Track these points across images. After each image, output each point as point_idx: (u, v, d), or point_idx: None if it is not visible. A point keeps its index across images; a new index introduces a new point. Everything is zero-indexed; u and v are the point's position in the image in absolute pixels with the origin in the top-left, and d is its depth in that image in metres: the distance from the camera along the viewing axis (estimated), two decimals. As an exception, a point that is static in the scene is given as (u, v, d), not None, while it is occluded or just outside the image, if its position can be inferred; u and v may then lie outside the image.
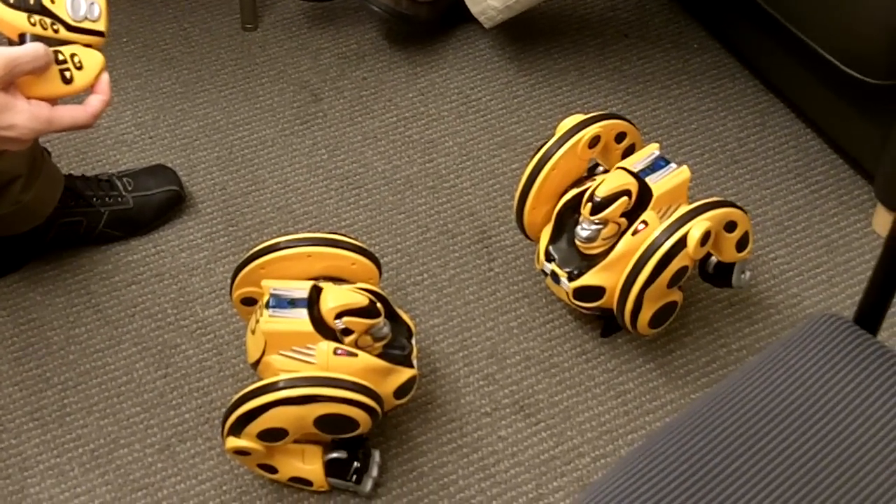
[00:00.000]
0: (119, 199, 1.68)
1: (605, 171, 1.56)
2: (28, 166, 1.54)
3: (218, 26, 2.05)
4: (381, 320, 1.35)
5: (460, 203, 1.79)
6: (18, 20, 1.05)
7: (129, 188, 1.70)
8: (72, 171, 1.73)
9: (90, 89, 1.10)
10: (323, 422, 1.32)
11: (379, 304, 1.35)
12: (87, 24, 1.10)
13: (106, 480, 1.47)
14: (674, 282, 1.46)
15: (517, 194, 1.56)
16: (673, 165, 1.50)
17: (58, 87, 1.06)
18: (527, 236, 1.60)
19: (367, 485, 1.43)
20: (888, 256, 1.05)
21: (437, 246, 1.73)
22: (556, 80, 1.97)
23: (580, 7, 2.09)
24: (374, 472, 1.44)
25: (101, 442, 1.51)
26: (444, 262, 1.71)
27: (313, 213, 1.77)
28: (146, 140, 1.86)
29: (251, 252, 1.42)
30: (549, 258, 1.54)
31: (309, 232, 1.45)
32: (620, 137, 1.56)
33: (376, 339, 1.37)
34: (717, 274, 1.54)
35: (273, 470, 1.42)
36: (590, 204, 1.46)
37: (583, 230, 1.49)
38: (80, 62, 1.08)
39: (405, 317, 1.44)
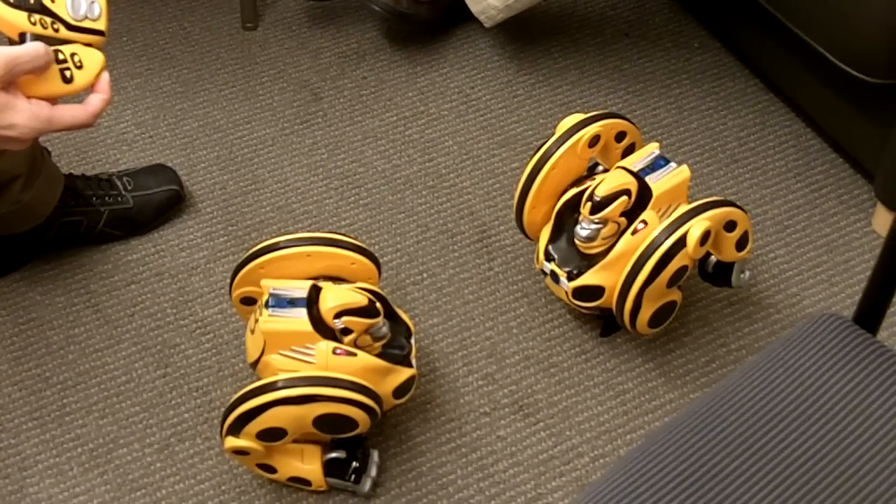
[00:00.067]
0: (119, 199, 1.68)
1: (605, 171, 1.56)
2: (28, 166, 1.54)
3: (218, 25, 2.05)
4: (380, 320, 1.35)
5: (460, 202, 1.79)
6: (19, 19, 1.05)
7: (129, 187, 1.70)
8: (72, 171, 1.73)
9: (90, 88, 1.10)
10: (322, 421, 1.32)
11: (378, 304, 1.35)
12: (87, 24, 1.10)
13: (105, 480, 1.47)
14: (673, 281, 1.46)
15: (517, 193, 1.56)
16: (673, 165, 1.50)
17: (58, 87, 1.06)
18: (526, 236, 1.60)
19: (366, 485, 1.43)
20: (888, 256, 1.05)
21: (436, 245, 1.73)
22: (556, 79, 1.97)
23: (580, 6, 2.09)
24: (373, 471, 1.44)
25: (100, 441, 1.51)
26: (443, 262, 1.71)
27: (313, 212, 1.77)
28: (146, 139, 1.86)
29: (251, 251, 1.42)
30: (548, 258, 1.54)
31: (308, 231, 1.45)
32: (620, 137, 1.56)
33: (375, 339, 1.37)
34: (716, 273, 1.54)
35: (272, 470, 1.42)
36: (589, 203, 1.46)
37: (582, 229, 1.49)
38: (80, 61, 1.08)
39: (404, 316, 1.44)
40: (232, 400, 1.33)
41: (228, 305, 1.64)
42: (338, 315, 1.32)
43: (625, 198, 1.46)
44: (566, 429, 1.53)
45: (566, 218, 1.54)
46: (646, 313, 1.47)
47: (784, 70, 1.85)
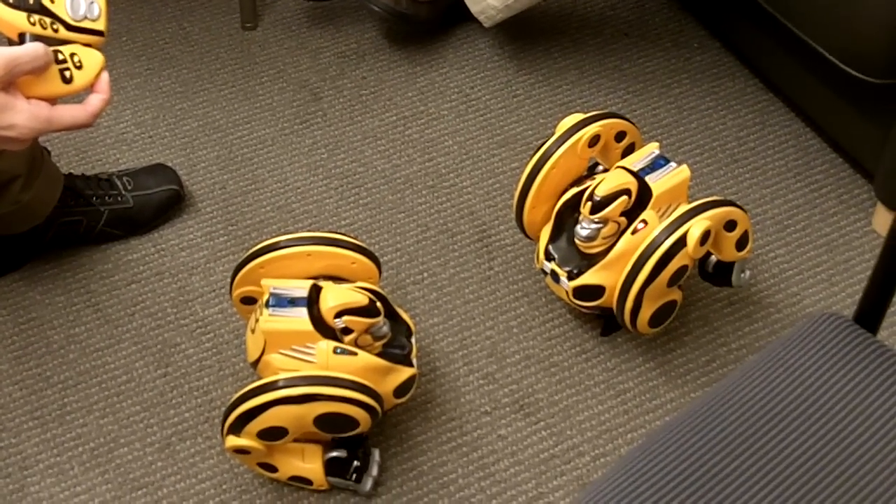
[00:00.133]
0: (119, 199, 1.68)
1: (605, 170, 1.56)
2: (28, 166, 1.55)
3: (217, 25, 2.05)
4: (380, 319, 1.35)
5: (460, 202, 1.79)
6: (18, 20, 1.05)
7: (129, 187, 1.70)
8: (71, 171, 1.73)
9: (90, 89, 1.10)
10: (323, 421, 1.32)
11: (378, 303, 1.35)
12: (86, 24, 1.10)
13: (106, 479, 1.47)
14: (673, 281, 1.46)
15: (517, 193, 1.56)
16: (673, 164, 1.50)
17: (57, 87, 1.06)
18: (526, 235, 1.60)
19: (367, 484, 1.44)
20: (888, 255, 1.05)
21: (436, 245, 1.73)
22: (556, 79, 1.97)
23: (580, 6, 2.09)
24: (374, 470, 1.44)
25: (101, 441, 1.51)
26: (443, 262, 1.71)
27: (313, 212, 1.77)
28: (146, 139, 1.86)
29: (251, 251, 1.42)
30: (548, 257, 1.54)
31: (308, 231, 1.45)
32: (620, 136, 1.56)
33: (376, 338, 1.37)
34: (716, 273, 1.54)
35: (273, 469, 1.42)
36: (589, 203, 1.46)
37: (582, 229, 1.49)
38: (79, 61, 1.08)
39: (405, 316, 1.44)
40: (233, 399, 1.33)
41: (229, 305, 1.64)
42: (338, 314, 1.33)
43: (625, 197, 1.46)
44: (567, 428, 1.53)
45: (566, 217, 1.54)
46: (646, 313, 1.47)
47: (784, 70, 1.85)
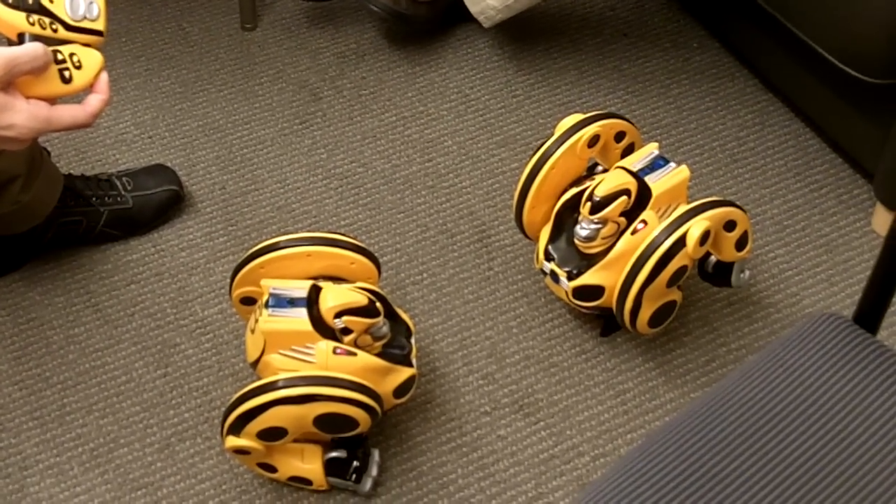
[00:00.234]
0: (118, 199, 1.68)
1: (605, 171, 1.56)
2: (27, 166, 1.54)
3: (217, 26, 2.05)
4: (380, 319, 1.35)
5: (459, 202, 1.79)
6: (17, 20, 1.05)
7: (129, 188, 1.70)
8: (71, 171, 1.73)
9: (89, 89, 1.10)
10: (322, 421, 1.32)
11: (378, 304, 1.35)
12: (85, 24, 1.10)
13: (105, 479, 1.47)
14: (673, 281, 1.46)
15: (516, 193, 1.56)
16: (672, 165, 1.50)
17: (57, 87, 1.06)
18: (526, 235, 1.60)
19: (367, 484, 1.44)
20: (887, 256, 1.05)
21: (436, 245, 1.73)
22: (556, 79, 1.97)
23: (579, 6, 2.09)
24: (374, 471, 1.44)
25: (100, 441, 1.51)
26: (443, 262, 1.71)
27: (312, 212, 1.77)
28: (145, 139, 1.86)
29: (250, 251, 1.42)
30: (548, 257, 1.54)
31: (308, 231, 1.45)
32: (620, 137, 1.56)
33: (375, 339, 1.37)
34: (716, 273, 1.54)
35: (272, 469, 1.42)
36: (589, 203, 1.46)
37: (582, 229, 1.49)
38: (79, 61, 1.08)
39: (404, 316, 1.44)
40: (232, 399, 1.33)
41: (228, 305, 1.64)
42: (338, 315, 1.32)
43: (624, 198, 1.46)
44: (567, 428, 1.53)
45: (566, 218, 1.54)
46: (646, 313, 1.47)
47: (783, 70, 1.85)
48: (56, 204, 1.62)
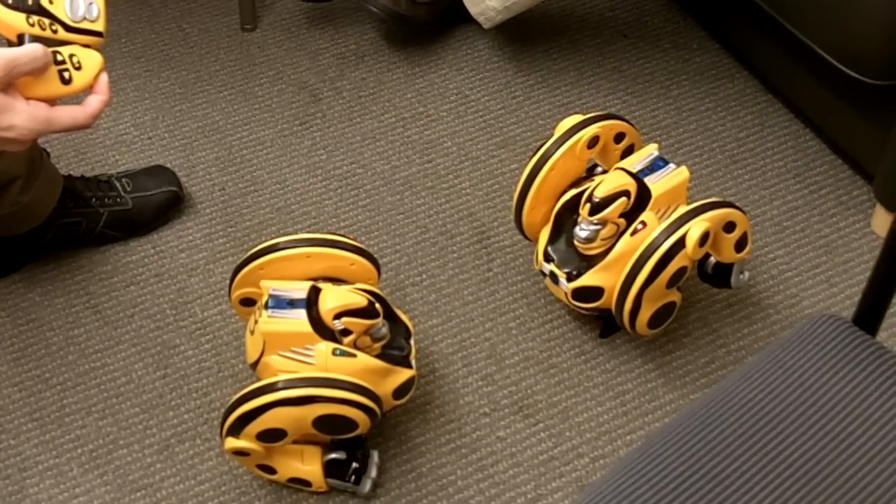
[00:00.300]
0: (118, 200, 1.68)
1: (604, 172, 1.56)
2: (27, 167, 1.54)
3: (217, 27, 2.05)
4: (379, 321, 1.35)
5: (459, 203, 1.79)
6: (17, 21, 1.05)
7: (129, 189, 1.70)
8: (71, 172, 1.73)
9: (89, 90, 1.10)
10: (322, 422, 1.32)
11: (378, 305, 1.35)
12: (85, 25, 1.10)
13: (105, 481, 1.47)
14: (672, 282, 1.46)
15: (516, 195, 1.56)
16: (672, 166, 1.50)
17: (57, 88, 1.06)
18: (525, 237, 1.60)
19: (366, 485, 1.43)
20: (887, 257, 1.05)
21: (435, 246, 1.73)
22: (555, 80, 1.97)
23: (579, 7, 2.10)
24: (373, 472, 1.44)
25: (100, 442, 1.51)
26: (442, 263, 1.71)
27: (312, 213, 1.77)
28: (145, 140, 1.86)
29: (250, 253, 1.42)
30: (547, 259, 1.54)
31: (308, 232, 1.45)
32: (619, 138, 1.56)
33: (375, 340, 1.37)
34: (715, 274, 1.54)
35: (272, 471, 1.42)
36: (588, 204, 1.46)
37: (581, 231, 1.49)
38: (78, 62, 1.08)
39: (404, 317, 1.44)
40: (232, 401, 1.33)
41: (228, 306, 1.64)
42: (337, 316, 1.32)
43: (624, 199, 1.46)
44: (566, 429, 1.53)
45: (565, 219, 1.54)
46: (645, 314, 1.47)
47: (783, 71, 1.85)
48: (56, 205, 1.62)
